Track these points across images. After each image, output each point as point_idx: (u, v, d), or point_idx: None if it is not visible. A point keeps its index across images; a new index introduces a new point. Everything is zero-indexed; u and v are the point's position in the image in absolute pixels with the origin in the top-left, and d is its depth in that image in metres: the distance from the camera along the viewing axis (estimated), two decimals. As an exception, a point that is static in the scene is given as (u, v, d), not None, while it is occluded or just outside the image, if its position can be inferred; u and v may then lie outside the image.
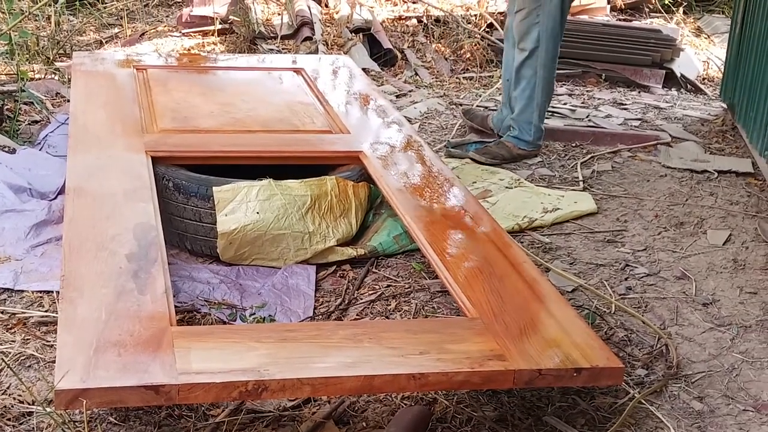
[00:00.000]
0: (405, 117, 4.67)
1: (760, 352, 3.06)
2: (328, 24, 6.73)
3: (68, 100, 4.57)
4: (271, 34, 6.55)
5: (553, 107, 5.60)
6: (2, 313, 3.00)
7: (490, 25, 6.82)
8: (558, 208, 4.02)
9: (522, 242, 3.75)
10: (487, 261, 3.04)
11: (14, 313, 2.99)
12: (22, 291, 3.14)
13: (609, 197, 4.25)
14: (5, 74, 5.28)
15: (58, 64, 5.64)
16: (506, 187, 4.25)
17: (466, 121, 5.05)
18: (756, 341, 3.12)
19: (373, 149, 3.80)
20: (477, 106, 5.51)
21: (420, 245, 3.22)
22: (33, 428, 2.45)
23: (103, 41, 6.46)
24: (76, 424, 2.42)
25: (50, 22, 6.19)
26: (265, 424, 2.55)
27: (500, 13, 6.81)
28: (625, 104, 5.84)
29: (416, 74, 6.16)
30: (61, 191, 3.68)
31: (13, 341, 2.85)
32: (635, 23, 7.59)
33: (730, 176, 4.56)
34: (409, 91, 5.82)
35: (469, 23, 6.82)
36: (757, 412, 2.74)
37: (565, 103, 5.75)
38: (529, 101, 4.58)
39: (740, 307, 3.33)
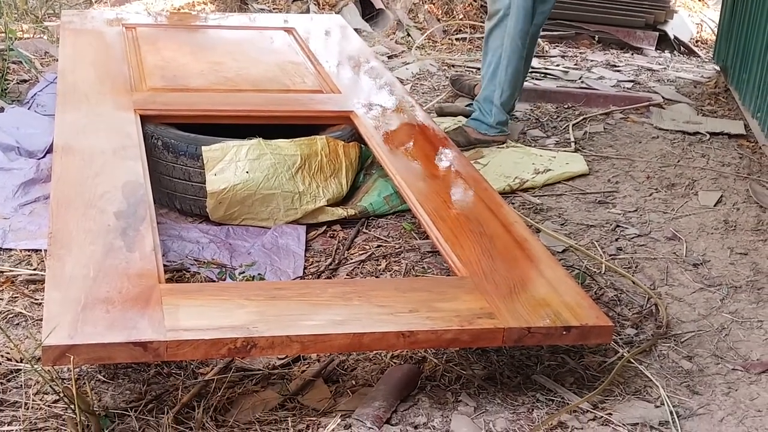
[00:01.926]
0: (397, 78, 4.64)
1: (749, 312, 3.06)
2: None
3: (57, 60, 4.53)
4: (262, -6, 6.50)
5: (546, 69, 5.58)
6: (-10, 271, 2.99)
7: (483, -14, 6.77)
8: (549, 170, 4.01)
9: (513, 203, 3.74)
10: (477, 221, 3.03)
11: (2, 271, 2.98)
12: (10, 249, 3.12)
13: (601, 158, 4.24)
14: (-7, 33, 5.23)
15: (47, 24, 5.59)
16: (497, 148, 4.24)
17: (455, 90, 4.99)
18: (746, 301, 3.13)
19: (364, 109, 3.78)
20: (467, 69, 5.47)
21: (410, 205, 3.21)
22: (21, 385, 2.44)
23: (93, 1, 6.40)
24: (64, 381, 2.41)
25: (39, -19, 6.12)
26: (254, 383, 2.55)
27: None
28: (618, 66, 5.82)
29: (408, 35, 6.13)
30: (50, 150, 3.65)
31: (0, 299, 2.84)
32: (629, -15, 7.54)
33: (723, 138, 4.55)
34: (401, 52, 5.78)
35: (462, -16, 6.78)
36: (746, 371, 2.75)
37: (557, 65, 5.73)
38: (492, 76, 4.24)
39: (730, 268, 3.33)
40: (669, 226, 3.62)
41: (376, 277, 3.15)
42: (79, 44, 4.16)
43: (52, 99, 4.01)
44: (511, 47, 4.17)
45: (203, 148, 3.32)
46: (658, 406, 2.55)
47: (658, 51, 6.27)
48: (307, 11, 6.14)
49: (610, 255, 3.38)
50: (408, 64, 5.52)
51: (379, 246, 3.35)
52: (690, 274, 3.28)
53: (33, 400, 2.38)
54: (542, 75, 5.49)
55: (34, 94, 4.31)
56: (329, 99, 3.84)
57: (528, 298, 2.57)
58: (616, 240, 3.50)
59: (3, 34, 4.91)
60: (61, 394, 2.33)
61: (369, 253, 3.29)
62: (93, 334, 2.21)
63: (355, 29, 5.55)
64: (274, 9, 6.30)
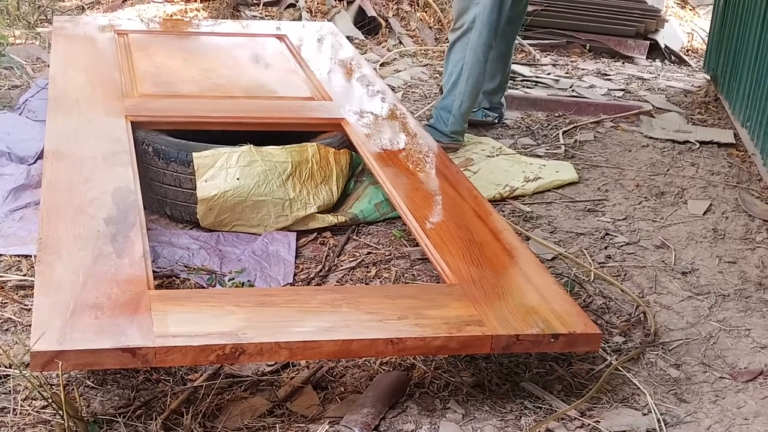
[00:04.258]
0: (388, 85, 4.65)
1: (737, 320, 3.08)
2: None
3: (49, 65, 4.53)
4: (254, 1, 6.51)
5: (537, 77, 5.60)
6: (-20, 276, 2.99)
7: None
8: (539, 177, 4.02)
9: (503, 211, 3.75)
10: (467, 229, 3.04)
11: (-8, 277, 2.98)
12: (0, 255, 3.12)
13: (591, 167, 4.26)
14: (-15, 39, 5.23)
15: (39, 30, 5.59)
16: (488, 156, 4.25)
17: None
18: (734, 310, 3.14)
19: (356, 116, 3.79)
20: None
21: (401, 213, 3.22)
22: (10, 391, 2.44)
23: (85, 7, 6.40)
24: (53, 387, 2.41)
25: (31, -13, 6.13)
26: (243, 389, 2.55)
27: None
28: (609, 75, 5.84)
29: (400, 42, 6.14)
30: (41, 156, 3.65)
31: (-10, 305, 2.84)
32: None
33: (712, 147, 4.58)
34: (393, 60, 5.79)
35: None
36: (733, 379, 2.76)
37: (549, 73, 5.74)
38: (452, 87, 4.26)
39: (719, 276, 3.35)
40: (658, 234, 3.63)
41: (366, 284, 3.16)
42: (71, 50, 4.17)
43: (44, 105, 4.01)
44: (473, 60, 4.20)
45: (194, 154, 3.33)
46: (645, 414, 2.56)
47: (649, 60, 6.29)
48: (300, 18, 6.15)
49: (599, 263, 3.39)
50: (400, 71, 5.53)
51: (369, 253, 3.36)
52: (678, 283, 3.29)
53: (21, 406, 2.38)
54: (533, 83, 5.50)
55: (26, 100, 4.31)
56: (320, 106, 3.84)
57: (516, 306, 2.58)
58: (605, 248, 3.51)
59: (-5, 40, 4.91)
60: (50, 400, 2.33)
61: (359, 260, 3.30)
62: (82, 340, 2.21)
63: (347, 37, 5.57)
64: (266, 16, 6.31)
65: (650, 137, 4.66)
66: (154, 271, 2.67)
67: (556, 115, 4.95)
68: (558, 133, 4.65)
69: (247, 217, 3.37)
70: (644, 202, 3.92)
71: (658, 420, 2.52)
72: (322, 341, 2.33)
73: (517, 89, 5.32)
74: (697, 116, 5.09)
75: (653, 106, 5.18)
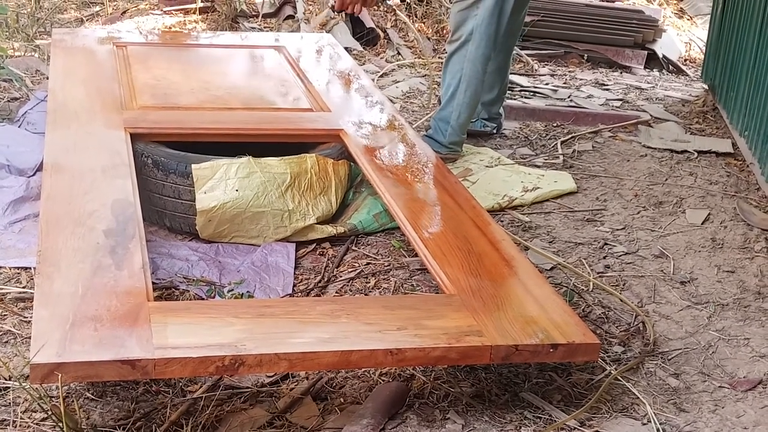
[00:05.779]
0: (386, 96, 4.66)
1: (736, 329, 3.08)
2: (310, 2, 6.71)
3: (48, 78, 4.53)
4: (253, 13, 6.53)
5: (535, 87, 5.61)
6: (-21, 289, 2.99)
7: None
8: (538, 188, 4.03)
9: (502, 221, 3.76)
10: (466, 239, 3.05)
11: (-9, 290, 2.98)
12: (0, 267, 3.12)
13: (589, 177, 4.27)
14: (-16, 51, 5.24)
15: (38, 42, 5.60)
16: (486, 166, 4.26)
17: None
18: (733, 319, 3.14)
19: (354, 128, 3.79)
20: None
21: (400, 223, 3.22)
22: (9, 403, 2.44)
23: (84, 19, 6.42)
24: (53, 399, 2.41)
25: (31, 0, 6.14)
26: (242, 400, 2.55)
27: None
28: (607, 85, 5.85)
29: (399, 53, 6.16)
30: (40, 168, 3.66)
31: (-10, 317, 2.84)
32: (617, 4, 7.61)
33: (710, 156, 4.58)
34: (391, 71, 5.81)
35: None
36: (732, 388, 2.76)
37: (546, 84, 5.76)
38: (450, 99, 4.25)
39: (717, 286, 3.35)
40: (657, 243, 3.64)
41: (365, 294, 3.16)
42: (70, 62, 4.18)
43: (43, 117, 4.02)
44: (471, 71, 4.18)
45: (193, 166, 3.33)
46: (645, 424, 2.56)
47: (647, 70, 6.31)
48: (298, 30, 6.16)
49: (598, 273, 3.40)
50: (398, 82, 5.55)
51: (368, 263, 3.36)
52: (677, 292, 3.30)
53: (21, 418, 2.38)
54: (531, 93, 5.52)
55: (25, 112, 4.31)
56: (319, 117, 3.85)
57: (515, 316, 2.58)
58: (604, 258, 3.52)
59: (-6, 53, 4.92)
60: (50, 412, 2.33)
61: (358, 271, 3.30)
62: (81, 352, 2.21)
63: (346, 48, 5.58)
64: (264, 28, 6.32)
65: (648, 147, 4.67)
66: (153, 283, 2.67)
67: (555, 125, 4.96)
68: (556, 143, 4.66)
69: (246, 228, 3.38)
70: (643, 211, 3.92)
71: (658, 430, 2.52)
72: (322, 352, 2.34)
73: (515, 99, 5.33)
74: (695, 126, 5.10)
75: (651, 115, 5.19)
